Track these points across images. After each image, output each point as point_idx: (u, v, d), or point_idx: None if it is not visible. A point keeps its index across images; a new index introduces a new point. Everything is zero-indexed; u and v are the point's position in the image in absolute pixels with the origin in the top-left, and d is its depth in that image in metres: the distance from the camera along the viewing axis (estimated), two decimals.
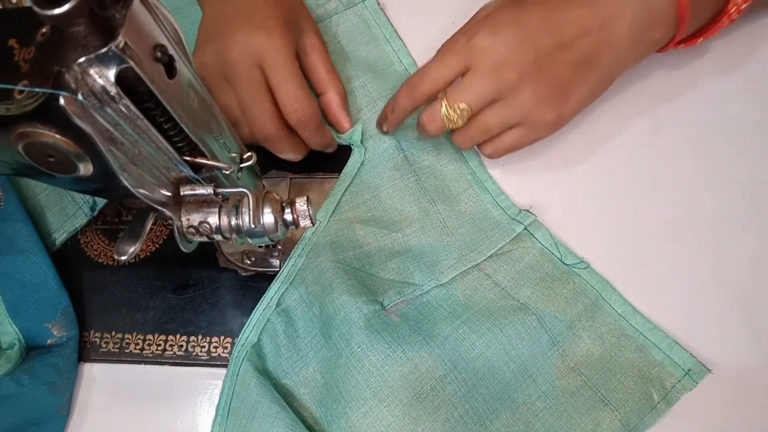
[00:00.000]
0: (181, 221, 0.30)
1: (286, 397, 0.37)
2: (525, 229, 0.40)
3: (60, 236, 0.43)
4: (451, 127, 0.38)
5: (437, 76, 0.37)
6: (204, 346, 0.40)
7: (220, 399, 0.37)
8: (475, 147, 0.42)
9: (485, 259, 0.40)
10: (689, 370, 0.36)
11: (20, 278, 0.39)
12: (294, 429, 0.34)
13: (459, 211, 0.41)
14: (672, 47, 0.38)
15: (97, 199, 0.44)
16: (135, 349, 0.40)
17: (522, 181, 0.42)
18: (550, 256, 0.40)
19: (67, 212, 0.43)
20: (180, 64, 0.25)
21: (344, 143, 0.43)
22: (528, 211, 0.41)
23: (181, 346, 0.40)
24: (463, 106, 0.36)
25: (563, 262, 0.39)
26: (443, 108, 0.36)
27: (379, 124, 0.43)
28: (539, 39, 0.35)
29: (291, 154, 0.41)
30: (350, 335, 0.36)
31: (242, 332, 0.38)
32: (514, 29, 0.35)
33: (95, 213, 0.43)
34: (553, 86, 0.36)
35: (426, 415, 0.35)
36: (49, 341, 0.39)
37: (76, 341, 0.40)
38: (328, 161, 0.44)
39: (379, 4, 0.47)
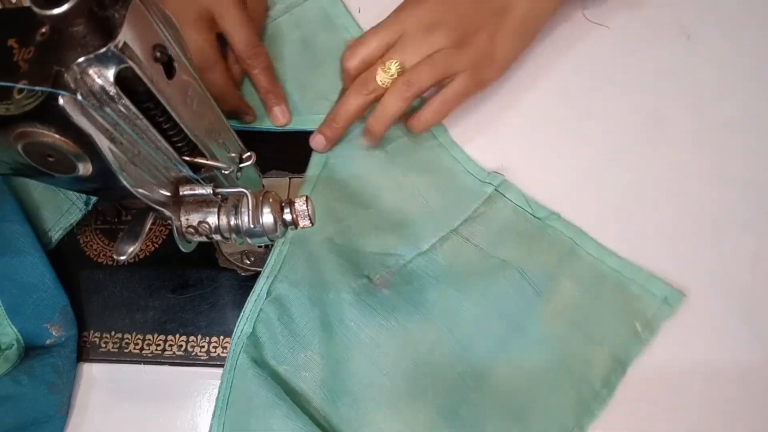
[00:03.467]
0: (181, 221, 0.30)
1: (287, 382, 0.37)
2: (495, 189, 0.41)
3: (56, 234, 0.43)
4: (385, 84, 0.38)
5: (370, 43, 0.40)
6: (203, 346, 0.40)
7: (219, 393, 0.38)
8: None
9: (461, 223, 0.41)
10: (666, 297, 0.38)
11: (18, 279, 0.39)
12: (291, 417, 0.35)
13: (430, 181, 0.42)
14: None
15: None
16: (134, 349, 0.40)
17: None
18: (522, 212, 0.41)
19: (62, 209, 0.43)
20: (179, 64, 0.25)
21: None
22: (496, 172, 0.42)
23: (181, 345, 0.40)
24: (394, 61, 0.38)
25: (535, 217, 0.40)
26: (378, 68, 0.38)
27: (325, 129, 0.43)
28: (457, 1, 0.39)
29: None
30: (343, 312, 0.37)
31: (237, 325, 0.39)
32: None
33: (90, 207, 0.43)
34: (479, 34, 0.39)
35: (426, 378, 0.36)
36: (48, 341, 0.39)
37: (75, 341, 0.39)
38: None
39: None
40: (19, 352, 0.38)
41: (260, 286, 0.40)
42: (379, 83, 0.39)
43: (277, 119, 0.44)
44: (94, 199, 0.43)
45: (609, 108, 0.44)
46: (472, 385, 0.37)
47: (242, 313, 0.39)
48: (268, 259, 0.40)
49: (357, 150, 0.43)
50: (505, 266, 0.39)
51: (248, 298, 0.39)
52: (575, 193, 0.42)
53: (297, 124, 0.45)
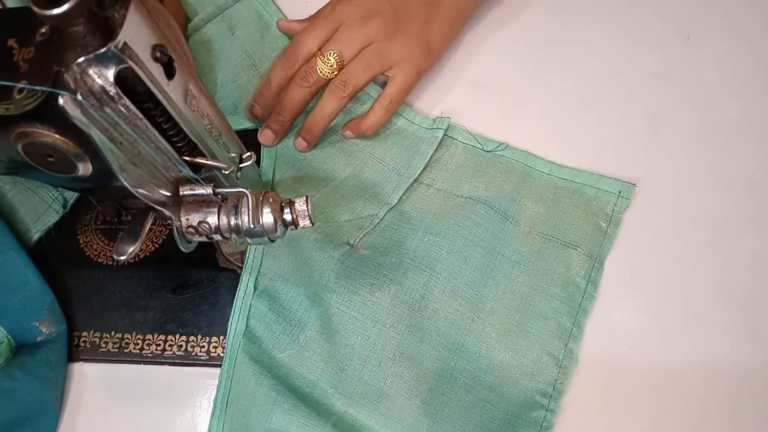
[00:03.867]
0: (181, 221, 0.30)
1: (293, 367, 0.38)
2: (445, 134, 0.43)
3: (34, 236, 0.42)
4: (325, 75, 0.40)
5: (308, 40, 0.40)
6: (203, 346, 0.40)
7: (217, 393, 0.38)
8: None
9: (421, 172, 0.42)
10: (619, 191, 0.41)
11: (2, 280, 0.39)
12: (292, 413, 0.35)
13: (381, 141, 0.44)
14: None
15: (66, 195, 0.43)
16: (134, 349, 0.40)
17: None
18: (473, 149, 0.43)
19: (38, 212, 0.43)
20: (179, 64, 0.25)
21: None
22: (441, 117, 0.43)
23: (181, 345, 0.40)
24: (332, 52, 0.39)
25: (485, 150, 0.43)
26: (317, 60, 0.40)
27: (252, 107, 0.43)
28: None
29: None
30: (332, 282, 0.38)
31: (229, 324, 0.39)
32: None
33: (67, 210, 0.43)
34: (413, 23, 0.41)
35: (426, 320, 0.38)
36: (38, 339, 0.39)
37: (65, 336, 0.39)
38: None
39: None
40: (11, 348, 0.38)
41: (245, 283, 0.40)
42: (320, 74, 0.40)
43: None
44: (71, 201, 0.43)
45: (608, 107, 0.44)
46: (470, 315, 0.39)
47: (232, 312, 0.39)
48: (247, 255, 0.41)
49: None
50: (470, 202, 0.41)
51: (235, 297, 0.40)
52: None
53: (238, 125, 0.44)
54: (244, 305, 0.39)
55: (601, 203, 0.41)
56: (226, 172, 0.31)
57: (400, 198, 0.42)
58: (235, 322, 0.39)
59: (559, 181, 0.42)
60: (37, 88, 0.21)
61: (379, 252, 0.40)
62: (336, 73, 0.40)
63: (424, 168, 0.42)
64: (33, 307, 0.39)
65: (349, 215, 0.42)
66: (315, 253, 0.39)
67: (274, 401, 0.36)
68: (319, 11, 0.42)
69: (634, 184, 0.41)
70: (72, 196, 0.44)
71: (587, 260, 0.40)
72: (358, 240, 0.40)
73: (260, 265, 0.40)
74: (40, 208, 0.43)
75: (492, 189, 0.42)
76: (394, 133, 0.44)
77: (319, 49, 0.40)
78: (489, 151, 0.43)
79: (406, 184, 0.42)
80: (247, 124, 0.44)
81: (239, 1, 0.48)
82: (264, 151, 0.44)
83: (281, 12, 0.48)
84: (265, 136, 0.42)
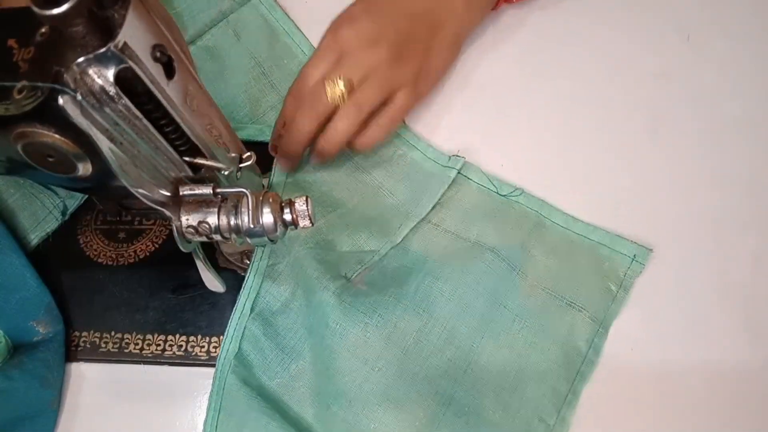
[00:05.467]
0: (180, 221, 0.30)
1: (281, 396, 0.37)
2: (458, 173, 0.42)
3: (33, 241, 0.42)
4: (334, 100, 0.38)
5: (315, 72, 0.39)
6: (203, 346, 0.40)
7: (207, 414, 0.37)
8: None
9: (430, 211, 0.41)
10: (634, 255, 0.39)
11: (0, 280, 0.39)
12: None
13: (393, 173, 0.43)
14: (504, 3, 0.45)
15: (67, 203, 0.43)
16: (134, 349, 0.40)
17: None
18: (486, 191, 0.42)
19: (38, 217, 0.43)
20: (179, 64, 0.25)
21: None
22: (456, 155, 0.42)
23: (181, 346, 0.40)
24: (340, 78, 0.38)
25: (500, 194, 0.41)
26: (325, 86, 0.38)
27: (273, 147, 0.42)
28: (393, 17, 0.40)
29: None
30: (326, 316, 0.37)
31: (222, 345, 0.38)
32: (369, 16, 0.40)
33: (66, 217, 0.43)
34: (415, 48, 0.40)
35: (418, 366, 0.37)
36: (35, 338, 0.39)
37: (62, 336, 0.39)
38: None
39: None
40: (8, 348, 0.38)
41: (241, 304, 0.39)
42: (329, 100, 0.39)
43: None
44: (71, 208, 0.43)
45: (609, 108, 0.44)
46: (464, 366, 0.37)
47: (226, 333, 0.38)
48: (247, 276, 0.40)
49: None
50: (478, 247, 0.40)
51: (231, 318, 0.39)
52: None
53: (253, 136, 0.44)
54: (239, 327, 0.39)
55: (614, 265, 0.39)
56: (226, 173, 0.31)
57: (406, 236, 0.40)
58: (228, 344, 0.38)
59: (572, 236, 0.40)
60: (39, 84, 0.21)
61: (376, 290, 0.39)
62: (344, 97, 0.39)
63: (434, 207, 0.41)
64: (30, 307, 0.39)
65: (350, 247, 0.40)
66: (312, 283, 0.38)
67: (265, 425, 0.35)
68: (321, 41, 0.41)
69: (651, 249, 0.39)
70: (73, 203, 0.43)
71: (592, 324, 0.38)
72: (356, 274, 0.39)
73: (260, 287, 0.40)
74: (41, 213, 0.43)
75: (502, 236, 0.40)
76: (407, 165, 0.43)
77: (325, 77, 0.39)
78: (504, 195, 0.41)
79: (413, 223, 0.41)
80: (262, 137, 0.44)
81: (244, 5, 0.47)
82: (274, 172, 0.43)
83: (288, 17, 0.47)
84: (281, 165, 0.42)
